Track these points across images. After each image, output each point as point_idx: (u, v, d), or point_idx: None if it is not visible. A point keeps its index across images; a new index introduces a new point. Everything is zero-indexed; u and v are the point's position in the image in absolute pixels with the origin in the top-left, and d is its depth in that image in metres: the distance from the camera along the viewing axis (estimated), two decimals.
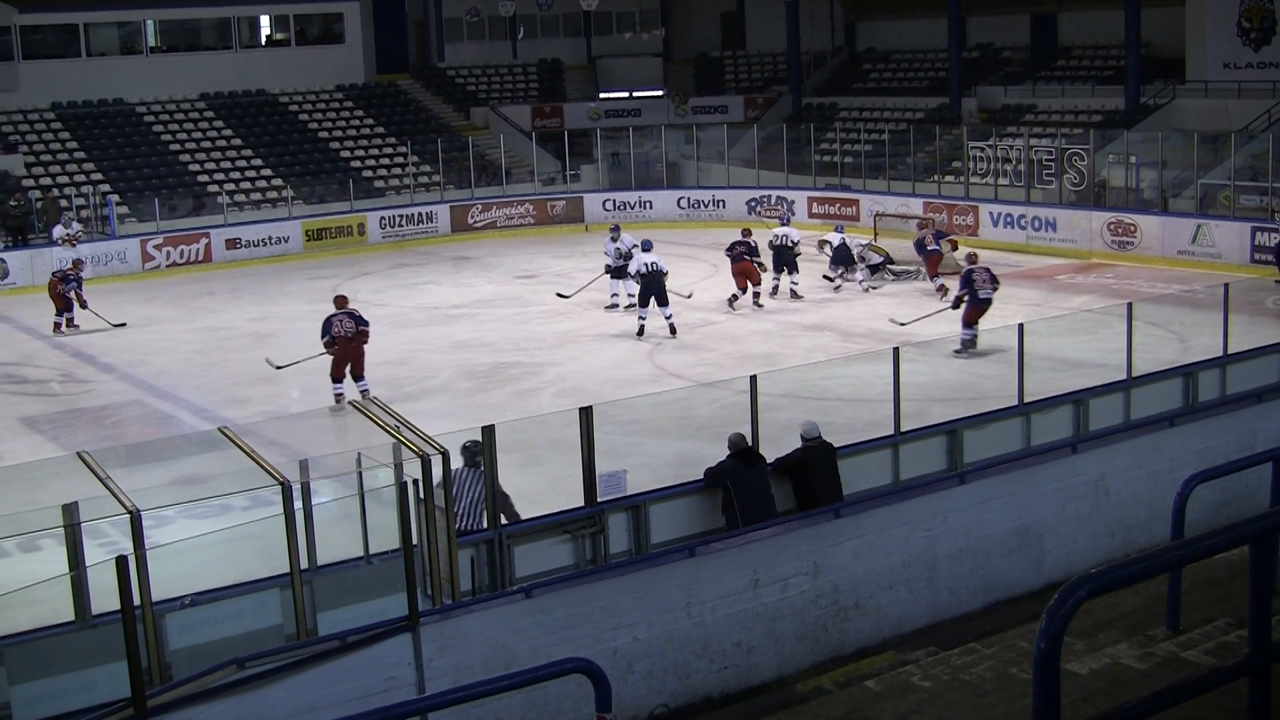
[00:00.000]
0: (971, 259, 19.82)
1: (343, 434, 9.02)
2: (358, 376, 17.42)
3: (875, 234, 28.14)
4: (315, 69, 39.16)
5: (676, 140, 38.10)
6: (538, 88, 43.19)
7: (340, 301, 17.92)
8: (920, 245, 24.01)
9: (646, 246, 21.67)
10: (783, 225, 24.67)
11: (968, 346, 18.65)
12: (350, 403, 9.43)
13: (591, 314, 22.94)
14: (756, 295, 23.31)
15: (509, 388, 17.96)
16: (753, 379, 11.03)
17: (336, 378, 17.39)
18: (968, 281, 18.99)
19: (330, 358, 17.42)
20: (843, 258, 24.67)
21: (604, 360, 19.31)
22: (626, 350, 20.01)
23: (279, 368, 18.79)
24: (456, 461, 9.78)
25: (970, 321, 18.82)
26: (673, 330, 20.92)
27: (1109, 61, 35.97)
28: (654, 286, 20.88)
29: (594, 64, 44.49)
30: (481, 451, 9.95)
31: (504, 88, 42.87)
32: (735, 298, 23.18)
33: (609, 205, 34.72)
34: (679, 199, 34.93)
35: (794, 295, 23.72)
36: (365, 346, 17.46)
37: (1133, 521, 11.21)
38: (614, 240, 23.26)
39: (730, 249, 23.29)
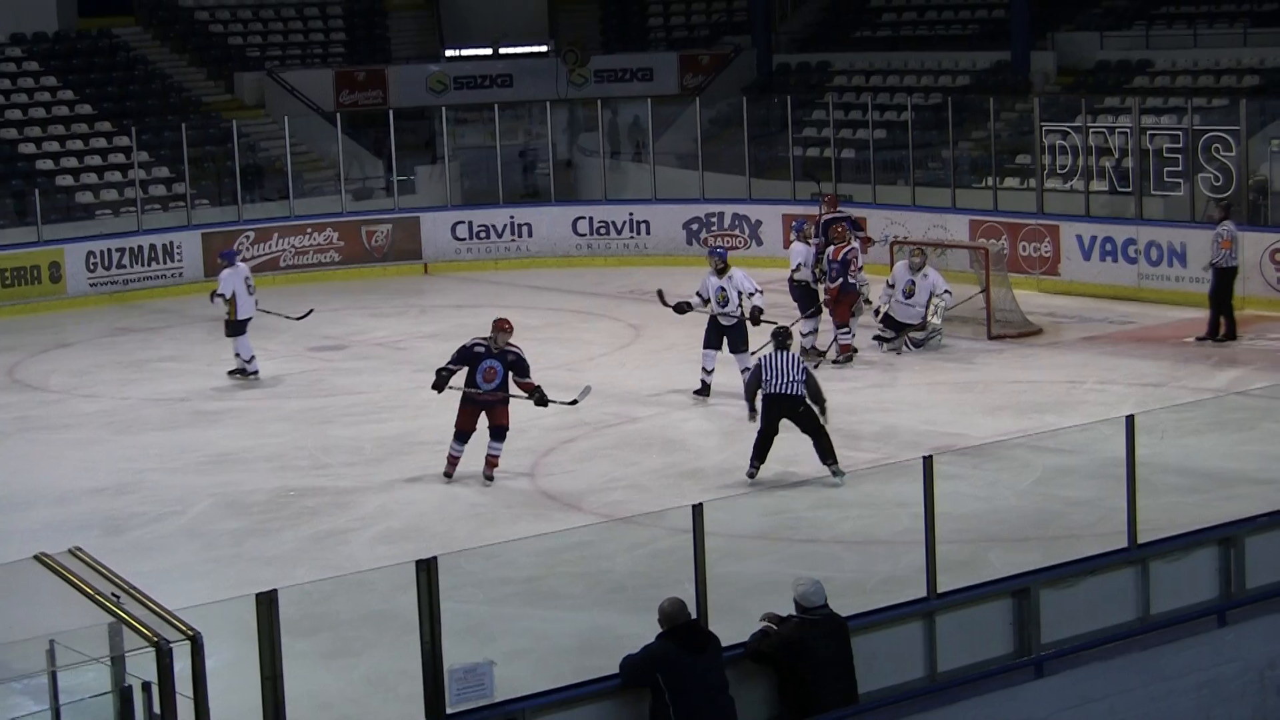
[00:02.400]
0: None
1: (23, 607, 8.87)
2: None
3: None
4: None
5: (571, 125, 38.27)
6: (344, 41, 43.40)
7: None
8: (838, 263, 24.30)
9: (721, 255, 22.75)
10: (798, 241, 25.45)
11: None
12: (37, 557, 9.36)
13: (435, 407, 22.86)
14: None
15: (301, 529, 17.90)
16: (697, 509, 11.06)
17: None
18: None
19: None
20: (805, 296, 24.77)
21: (457, 484, 19.24)
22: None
23: None
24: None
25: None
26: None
27: None
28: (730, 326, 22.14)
29: (435, 1, 44.82)
30: (789, 334, 16.23)
31: (290, 41, 43.04)
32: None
33: (463, 231, 34.82)
34: (575, 219, 35.12)
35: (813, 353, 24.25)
36: None
37: None
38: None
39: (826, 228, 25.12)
